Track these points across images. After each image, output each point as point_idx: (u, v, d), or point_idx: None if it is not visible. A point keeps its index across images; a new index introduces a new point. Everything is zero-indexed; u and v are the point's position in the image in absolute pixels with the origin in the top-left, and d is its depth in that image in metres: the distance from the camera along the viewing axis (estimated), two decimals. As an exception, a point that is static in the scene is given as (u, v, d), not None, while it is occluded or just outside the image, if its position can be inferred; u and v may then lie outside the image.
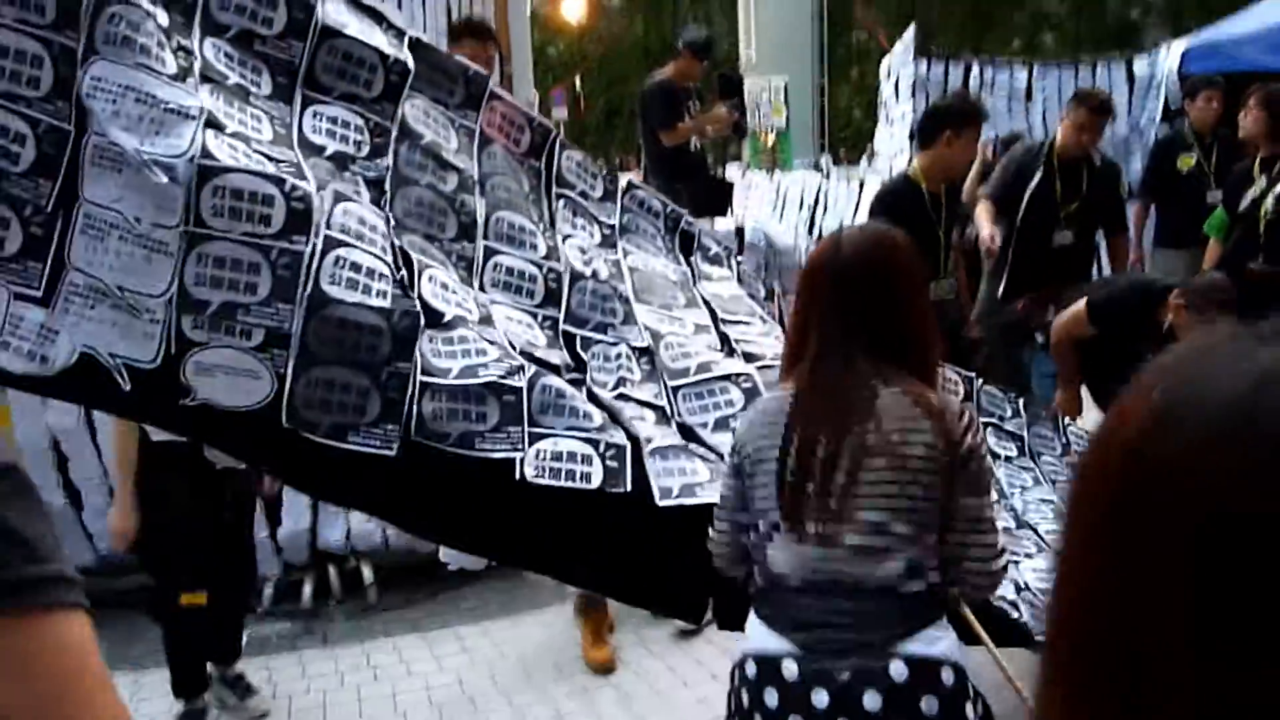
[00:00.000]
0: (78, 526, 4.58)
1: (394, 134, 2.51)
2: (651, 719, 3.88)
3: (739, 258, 3.25)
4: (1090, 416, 4.42)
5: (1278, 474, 0.52)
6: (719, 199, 6.98)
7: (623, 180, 3.01)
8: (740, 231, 7.30)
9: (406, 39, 2.60)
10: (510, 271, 2.61)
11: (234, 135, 2.20)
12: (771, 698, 1.94)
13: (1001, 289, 5.25)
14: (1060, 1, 19.89)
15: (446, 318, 2.33)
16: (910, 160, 5.51)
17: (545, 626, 4.63)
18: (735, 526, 2.13)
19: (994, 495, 2.29)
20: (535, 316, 2.59)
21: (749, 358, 2.80)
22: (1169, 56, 7.70)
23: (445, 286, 2.40)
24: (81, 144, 2.11)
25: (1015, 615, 2.49)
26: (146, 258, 2.10)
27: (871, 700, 1.87)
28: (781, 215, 9.42)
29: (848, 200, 8.52)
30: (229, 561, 3.88)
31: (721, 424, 2.61)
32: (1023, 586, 2.62)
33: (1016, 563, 2.66)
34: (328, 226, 2.20)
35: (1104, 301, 4.40)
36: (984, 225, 5.06)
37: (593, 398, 2.49)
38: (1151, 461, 0.56)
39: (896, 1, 19.21)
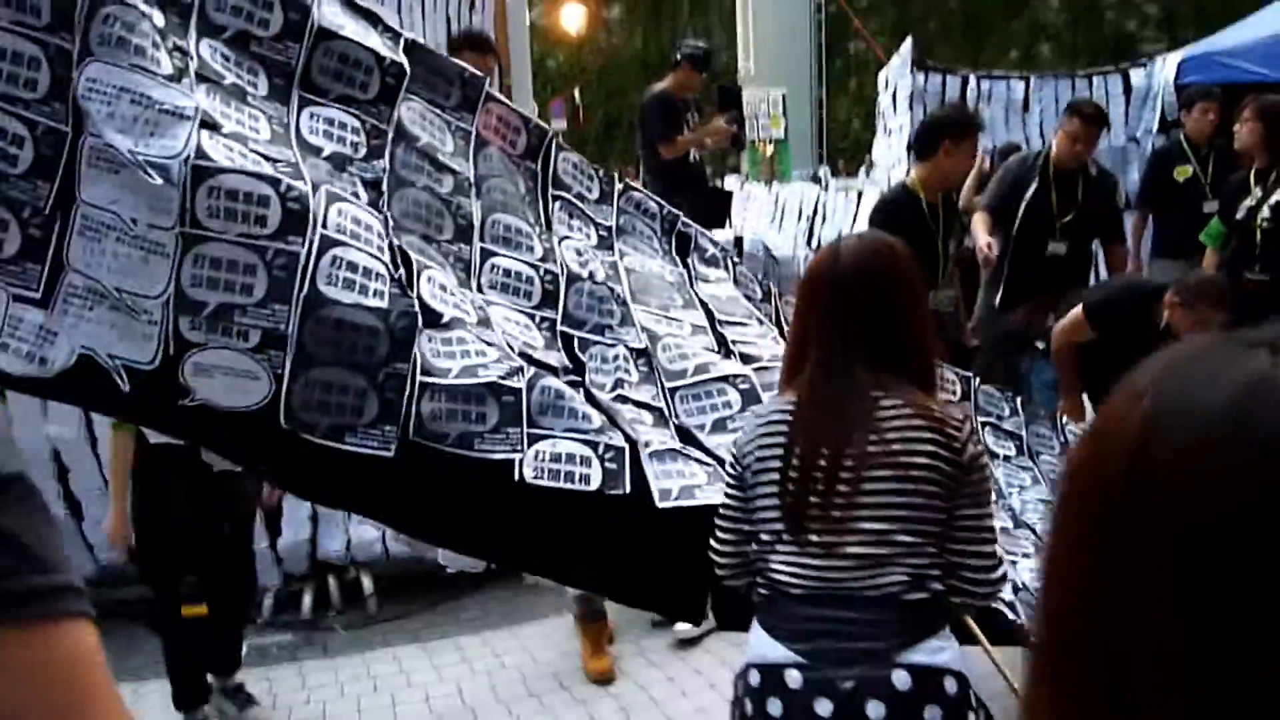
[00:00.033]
0: (78, 537, 4.59)
1: (390, 136, 2.51)
2: (651, 729, 3.88)
3: (735, 259, 3.25)
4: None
5: (1266, 478, 0.54)
6: (718, 210, 7.00)
7: (619, 182, 3.01)
8: (739, 242, 7.32)
9: (402, 41, 2.60)
10: (507, 273, 2.61)
11: (230, 135, 2.20)
12: (775, 707, 1.94)
13: (998, 299, 5.26)
14: (1057, 13, 19.97)
15: (445, 318, 2.33)
16: (908, 171, 5.53)
17: (545, 637, 4.63)
18: (739, 536, 2.12)
19: (993, 496, 2.30)
20: (533, 318, 2.59)
21: (746, 359, 2.81)
22: (1165, 68, 7.72)
23: (444, 288, 2.40)
24: (78, 145, 2.11)
25: (1012, 616, 2.50)
26: (144, 259, 2.10)
27: (875, 710, 1.87)
28: (780, 226, 9.44)
29: (846, 211, 8.55)
30: (229, 572, 3.89)
31: (719, 425, 2.61)
32: (1020, 586, 2.63)
33: (1014, 562, 2.67)
34: (324, 226, 2.20)
35: (1100, 304, 4.43)
36: (980, 235, 5.08)
37: (591, 399, 2.49)
38: (1143, 467, 0.58)
39: (894, 13, 19.31)
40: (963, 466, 1.97)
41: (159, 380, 2.10)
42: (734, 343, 2.86)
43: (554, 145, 2.87)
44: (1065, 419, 3.71)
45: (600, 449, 2.39)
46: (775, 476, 2.03)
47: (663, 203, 3.10)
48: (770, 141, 11.40)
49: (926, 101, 7.77)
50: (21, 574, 0.81)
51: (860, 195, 8.40)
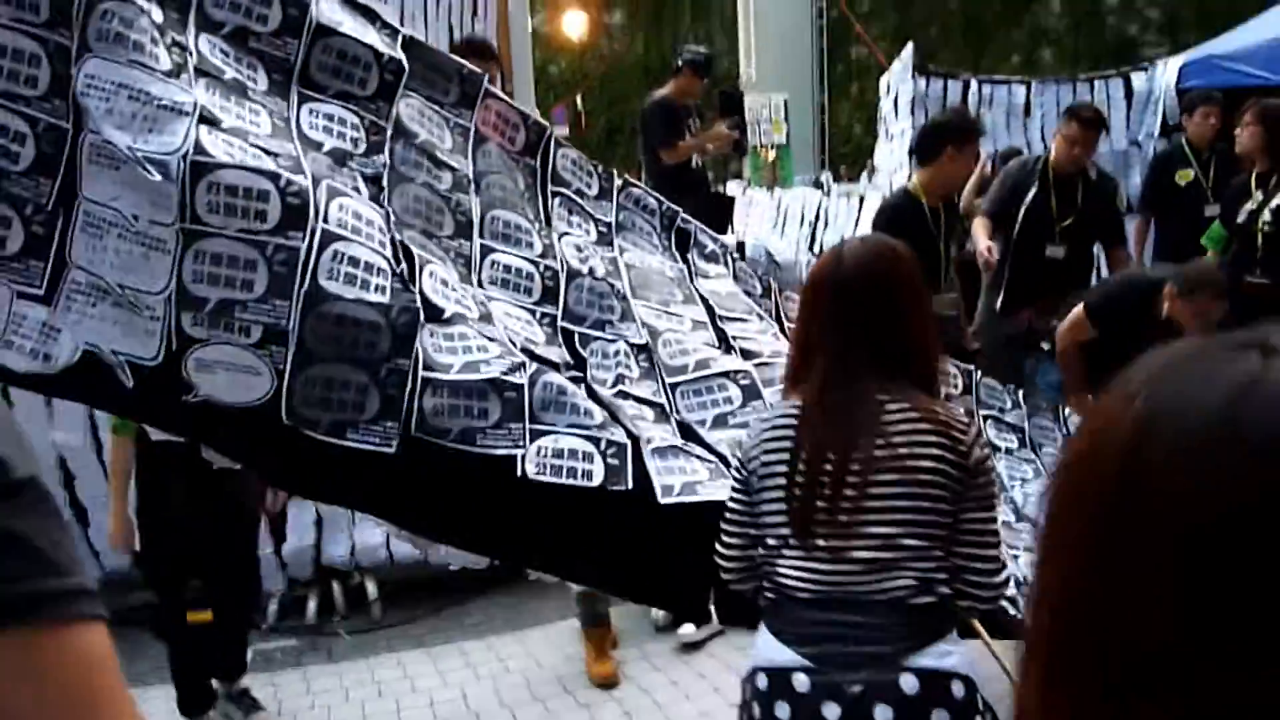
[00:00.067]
0: (83, 543, 4.60)
1: (389, 133, 2.50)
2: (655, 733, 3.89)
3: (735, 255, 3.24)
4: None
5: (1259, 478, 0.54)
6: (720, 215, 7.01)
7: (617, 178, 3.00)
8: (741, 247, 7.33)
9: (400, 38, 2.59)
10: (508, 269, 2.60)
11: (230, 130, 2.19)
12: (782, 710, 1.94)
13: (999, 303, 5.28)
14: (1059, 17, 19.97)
15: (447, 313, 2.32)
16: (909, 176, 5.54)
17: (549, 642, 4.64)
18: (745, 540, 2.12)
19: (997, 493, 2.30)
20: (533, 314, 2.58)
21: (747, 354, 2.80)
22: (1167, 72, 7.73)
23: (445, 282, 2.39)
24: (79, 142, 2.11)
25: (1014, 612, 2.50)
26: (145, 255, 2.10)
27: (882, 713, 1.88)
28: (782, 231, 9.44)
29: (848, 216, 8.55)
30: (233, 578, 3.90)
31: (720, 421, 2.60)
32: (1021, 581, 2.63)
33: (1015, 557, 2.67)
34: (325, 221, 2.19)
35: (1101, 302, 4.45)
36: (980, 240, 5.10)
37: (593, 395, 2.49)
38: (1137, 468, 0.58)
39: (895, 18, 19.32)
40: (969, 470, 1.98)
41: (162, 376, 2.10)
42: (734, 338, 2.85)
43: (553, 142, 2.87)
44: (1069, 411, 3.71)
45: (602, 445, 2.39)
46: (782, 481, 2.03)
47: (662, 199, 3.09)
48: (772, 147, 11.41)
49: (928, 106, 7.78)
50: (35, 578, 0.82)
51: (862, 200, 8.40)
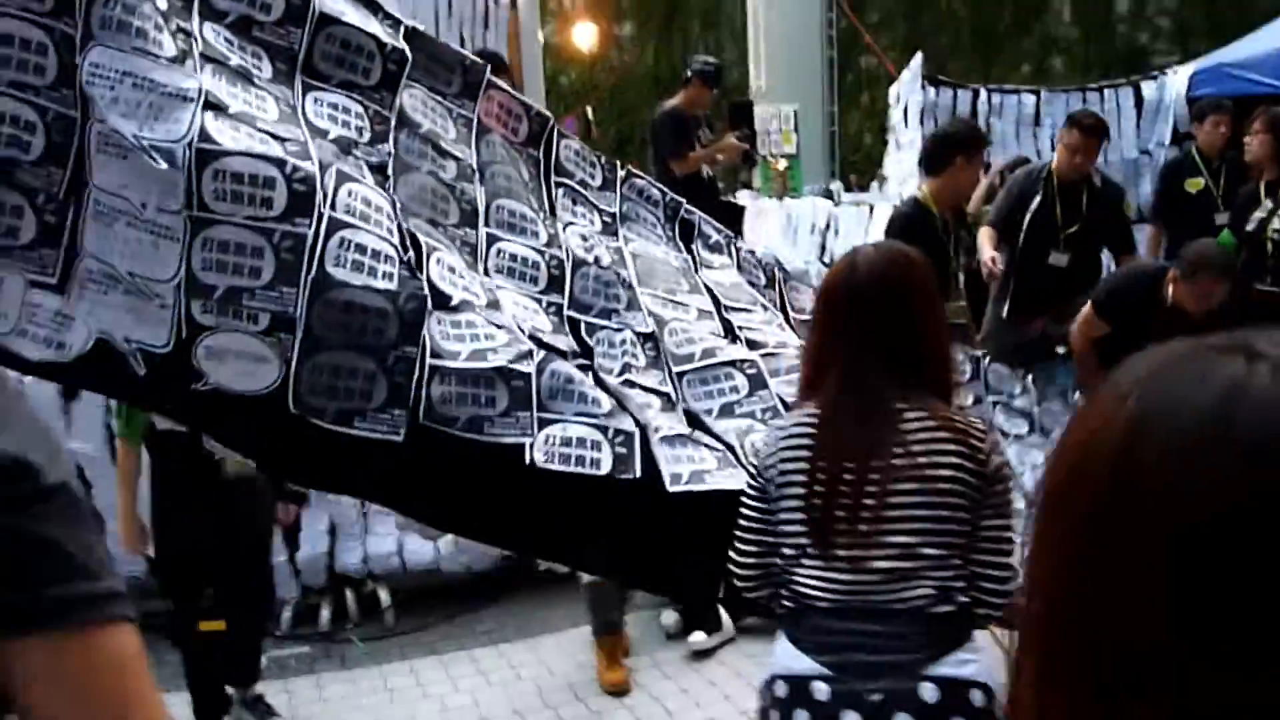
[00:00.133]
0: (100, 551, 4.63)
1: (393, 122, 2.50)
2: (666, 740, 3.90)
3: (739, 244, 3.21)
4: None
5: (1250, 479, 0.56)
6: (730, 225, 7.00)
7: (620, 169, 2.99)
8: (751, 257, 7.33)
9: (403, 28, 2.59)
10: (513, 258, 2.60)
11: (237, 115, 2.18)
12: (802, 718, 1.94)
13: (1005, 310, 5.30)
14: (1069, 26, 19.95)
15: (454, 300, 2.32)
16: (919, 185, 5.56)
17: (560, 649, 4.66)
18: (761, 548, 2.11)
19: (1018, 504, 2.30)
20: (540, 303, 2.57)
21: (752, 345, 2.78)
22: (1176, 80, 7.73)
23: (452, 270, 2.38)
24: (86, 131, 2.10)
25: None
26: (154, 243, 2.10)
27: None
28: (793, 241, 9.45)
29: (858, 225, 8.55)
30: (247, 586, 3.92)
31: (726, 410, 2.59)
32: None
33: (1025, 544, 2.66)
34: (332, 208, 2.18)
35: (1108, 296, 4.48)
36: (985, 250, 5.14)
37: (600, 383, 2.48)
38: (1129, 468, 0.60)
39: (905, 28, 19.32)
40: (987, 478, 1.97)
41: (173, 364, 2.10)
42: (740, 329, 2.83)
43: (555, 133, 2.86)
44: (1078, 398, 3.71)
45: (610, 433, 2.38)
46: (800, 490, 2.02)
47: (665, 190, 3.08)
48: (782, 157, 11.42)
49: (937, 116, 7.78)
50: (66, 582, 0.85)
51: (872, 210, 8.40)
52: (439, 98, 2.64)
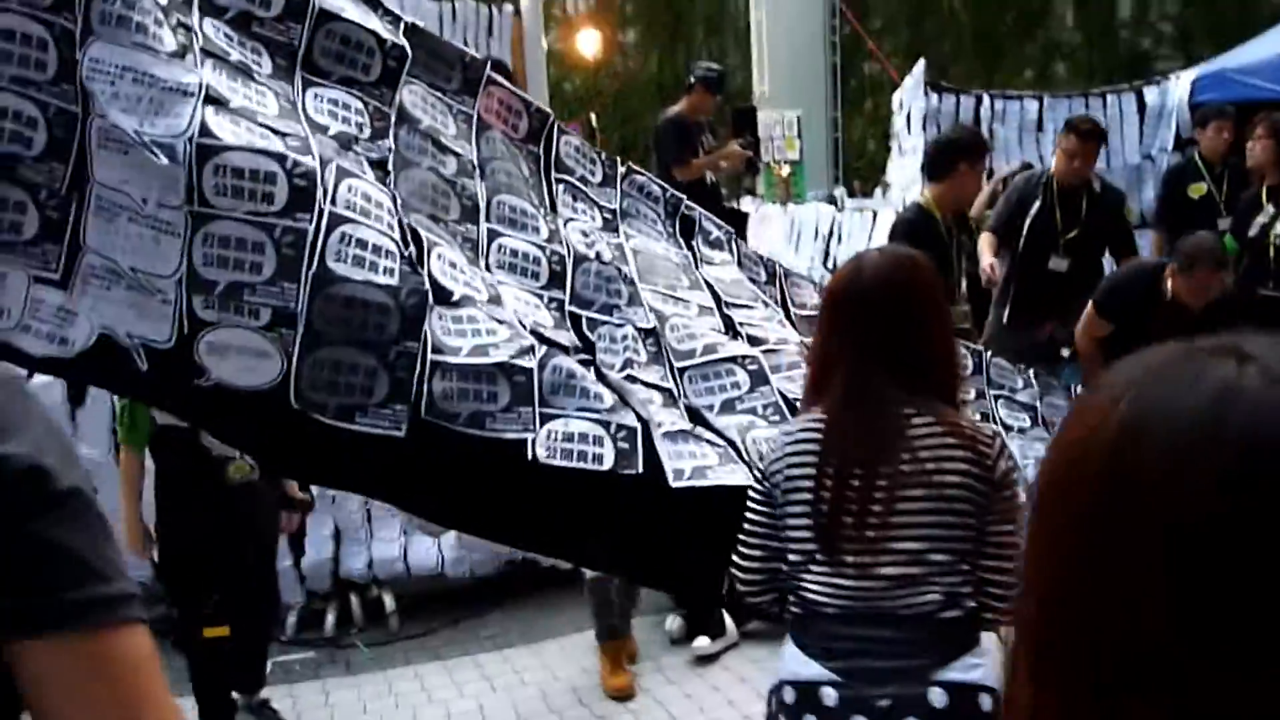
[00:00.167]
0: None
1: (393, 118, 2.50)
2: (670, 744, 3.91)
3: (740, 241, 3.20)
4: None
5: (1244, 478, 0.57)
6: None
7: (620, 165, 2.99)
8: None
9: (403, 25, 2.59)
10: (514, 253, 2.59)
11: (237, 111, 2.18)
12: None
13: (1006, 316, 5.32)
14: (1072, 32, 19.95)
15: (455, 296, 2.31)
16: (922, 191, 5.58)
17: (564, 654, 4.66)
18: (766, 553, 2.10)
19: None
20: (541, 298, 2.57)
21: (753, 341, 2.78)
22: (1179, 86, 7.74)
23: (454, 265, 2.38)
24: (87, 126, 2.10)
25: None
26: (155, 239, 2.10)
27: None
28: (796, 247, 9.46)
29: (862, 231, 8.56)
30: (253, 592, 3.93)
31: (727, 406, 2.59)
32: None
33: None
34: (332, 203, 2.18)
35: (1108, 295, 4.51)
36: (985, 257, 5.17)
37: (602, 378, 2.47)
38: (1124, 470, 0.61)
39: (908, 34, 19.34)
40: (994, 484, 1.97)
41: (175, 360, 2.10)
42: (740, 325, 2.83)
43: (555, 129, 2.85)
44: (1079, 389, 3.71)
45: (612, 428, 2.37)
46: (807, 496, 2.01)
47: (665, 186, 3.07)
48: (785, 163, 11.44)
49: (940, 122, 7.78)
50: (81, 586, 0.87)
51: (875, 216, 8.41)
52: (439, 94, 2.64)
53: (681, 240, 3.01)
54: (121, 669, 0.88)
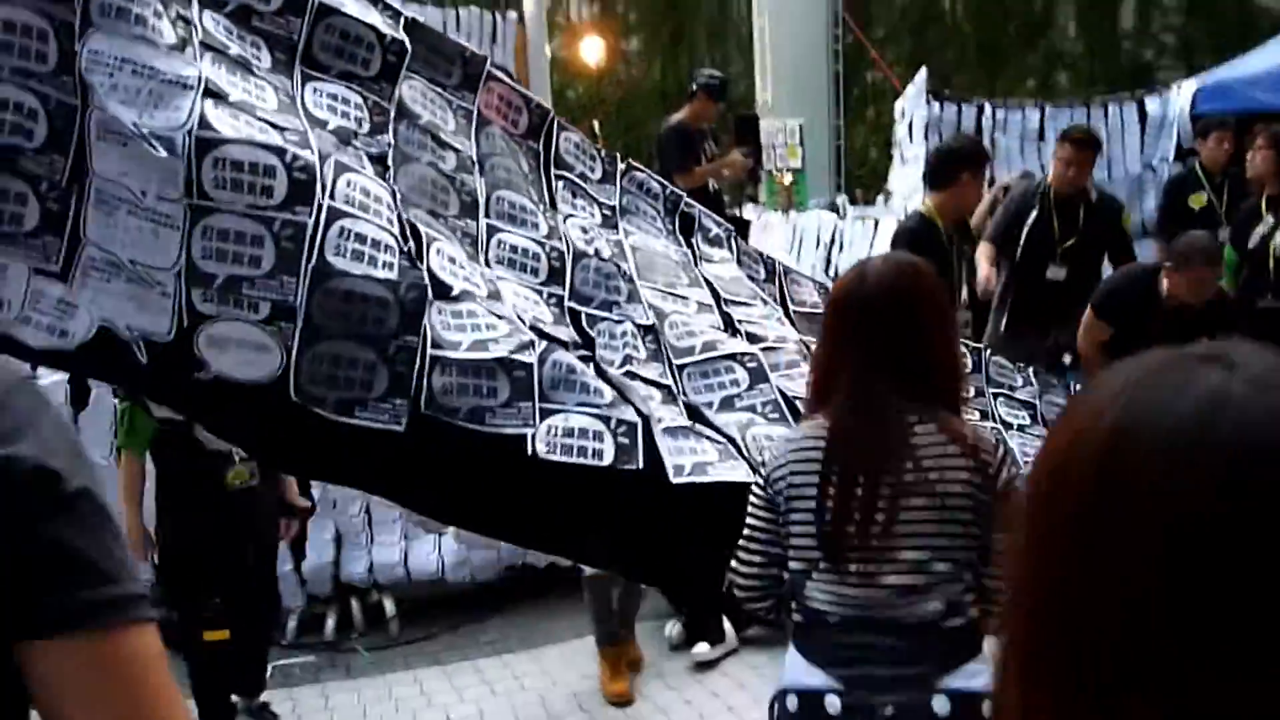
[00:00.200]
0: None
1: (392, 113, 2.49)
2: (669, 750, 3.91)
3: (739, 239, 3.18)
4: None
5: (1235, 483, 0.58)
6: (736, 239, 7.06)
7: (620, 162, 2.98)
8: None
9: (403, 20, 2.59)
10: (514, 249, 2.58)
11: (237, 104, 2.18)
12: None
13: (1004, 324, 5.35)
14: (1074, 41, 19.98)
15: (455, 291, 2.31)
16: (924, 199, 5.60)
17: (564, 660, 4.67)
18: (767, 559, 2.10)
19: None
20: (540, 294, 2.56)
21: (752, 339, 2.77)
22: (1180, 96, 7.76)
23: (453, 260, 2.37)
24: (86, 118, 2.10)
25: None
26: (154, 231, 2.09)
27: None
28: (798, 255, 9.48)
29: (863, 239, 8.58)
30: (253, 596, 3.94)
31: (727, 403, 2.58)
32: None
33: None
34: (331, 197, 2.18)
35: (1106, 297, 4.55)
36: (982, 267, 5.20)
37: (601, 374, 2.47)
38: (1115, 471, 0.62)
39: (911, 43, 19.37)
40: (998, 493, 1.97)
41: (175, 353, 2.10)
42: (739, 322, 2.82)
43: (555, 125, 2.84)
44: (1079, 386, 3.72)
45: (612, 423, 2.37)
46: (811, 504, 2.01)
47: (665, 183, 3.06)
48: (787, 171, 11.45)
49: (942, 131, 7.81)
50: (91, 587, 0.88)
51: (877, 224, 8.43)
52: (438, 89, 2.63)
53: (681, 237, 3.00)
54: (131, 668, 0.90)
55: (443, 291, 2.29)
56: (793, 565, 2.06)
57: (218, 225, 2.11)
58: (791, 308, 3.04)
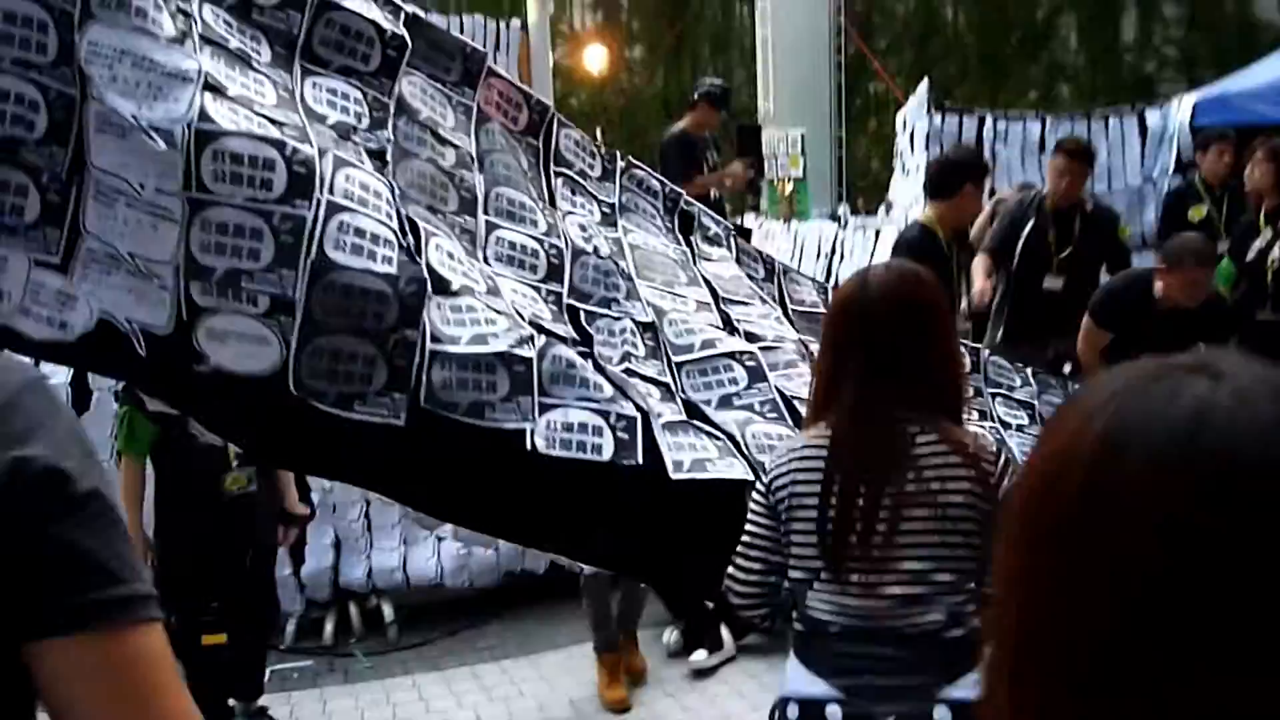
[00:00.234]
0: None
1: (392, 108, 2.48)
2: (666, 757, 3.92)
3: (738, 237, 3.17)
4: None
5: (1221, 493, 0.60)
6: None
7: (620, 160, 2.97)
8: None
9: (403, 15, 2.58)
10: (512, 246, 2.57)
11: (235, 98, 2.17)
12: None
13: (1001, 335, 5.37)
14: (1076, 54, 20.04)
15: (454, 286, 2.30)
16: (924, 209, 5.62)
17: (562, 666, 4.67)
18: (766, 567, 2.09)
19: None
20: (539, 291, 2.55)
21: (750, 338, 2.76)
22: (1181, 109, 7.78)
23: (452, 256, 2.37)
24: (85, 110, 2.09)
25: None
26: (153, 224, 2.08)
27: None
28: (799, 264, 9.50)
29: (864, 249, 8.60)
30: (251, 601, 3.95)
31: (725, 401, 2.58)
32: None
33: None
34: (330, 191, 2.17)
35: (1103, 303, 4.57)
36: (977, 279, 5.24)
37: (600, 369, 2.46)
38: (1105, 478, 0.63)
39: (913, 54, 19.43)
40: (998, 503, 1.97)
41: (174, 345, 2.09)
42: (738, 321, 2.81)
43: (555, 122, 2.83)
44: (1077, 385, 3.73)
45: (612, 418, 2.36)
46: (812, 514, 2.01)
47: (665, 181, 3.04)
48: (789, 180, 11.47)
49: (944, 142, 7.83)
50: (100, 587, 0.89)
51: (878, 233, 8.45)
52: (438, 85, 2.62)
53: (680, 236, 2.99)
54: (140, 668, 0.91)
55: (442, 286, 2.28)
56: (794, 574, 2.05)
57: (217, 218, 2.10)
58: (790, 307, 3.03)
